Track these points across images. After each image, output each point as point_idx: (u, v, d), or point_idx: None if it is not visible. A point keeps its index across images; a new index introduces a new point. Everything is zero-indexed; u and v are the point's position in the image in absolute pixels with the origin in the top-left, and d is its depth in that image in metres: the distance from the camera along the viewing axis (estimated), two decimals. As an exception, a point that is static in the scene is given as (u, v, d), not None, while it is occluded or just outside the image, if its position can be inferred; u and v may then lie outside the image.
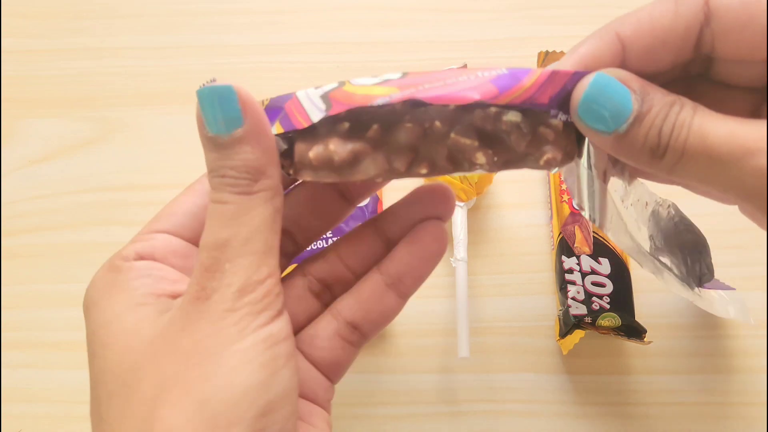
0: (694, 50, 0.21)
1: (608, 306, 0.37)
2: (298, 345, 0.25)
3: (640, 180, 0.26)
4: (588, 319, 0.37)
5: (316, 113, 0.22)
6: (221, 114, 0.21)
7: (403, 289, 0.24)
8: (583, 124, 0.20)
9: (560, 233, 0.39)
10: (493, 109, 0.21)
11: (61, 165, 0.43)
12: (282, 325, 0.21)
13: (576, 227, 0.39)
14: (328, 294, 0.26)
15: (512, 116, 0.21)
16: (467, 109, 0.21)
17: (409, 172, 0.22)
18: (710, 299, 0.33)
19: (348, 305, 0.24)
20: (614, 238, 0.24)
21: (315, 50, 0.44)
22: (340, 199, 0.26)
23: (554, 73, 0.21)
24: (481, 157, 0.21)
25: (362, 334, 0.25)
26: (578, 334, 0.37)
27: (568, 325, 0.37)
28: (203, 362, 0.19)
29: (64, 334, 0.41)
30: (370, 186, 0.26)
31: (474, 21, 0.45)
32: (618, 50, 0.22)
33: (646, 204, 0.27)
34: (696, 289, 0.31)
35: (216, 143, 0.21)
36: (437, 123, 0.21)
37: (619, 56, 0.22)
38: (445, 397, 0.39)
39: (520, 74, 0.21)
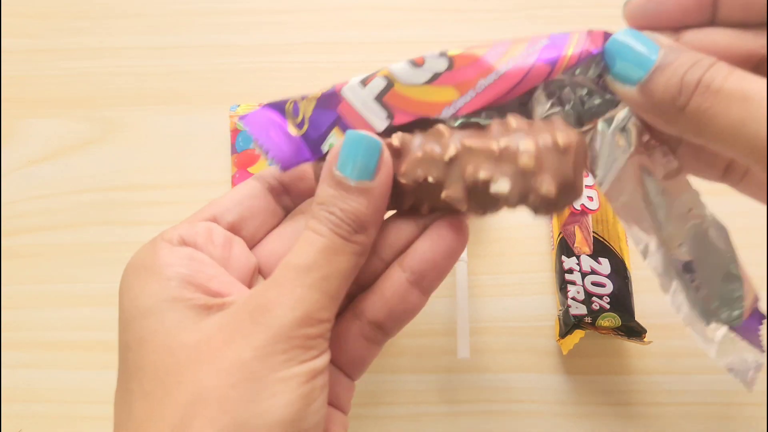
0: None
1: (608, 306, 0.37)
2: None
3: (697, 193, 0.25)
4: (588, 319, 0.37)
5: (378, 121, 0.23)
6: (360, 160, 0.22)
7: (426, 284, 0.24)
8: (610, 74, 0.21)
9: (560, 233, 0.39)
10: (482, 175, 0.21)
11: (61, 165, 0.43)
12: (324, 360, 0.21)
13: (576, 227, 0.39)
14: (354, 285, 0.24)
15: (501, 187, 0.21)
16: (456, 165, 0.22)
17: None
18: (726, 346, 0.26)
19: (371, 304, 0.24)
20: (621, 212, 0.24)
21: (315, 50, 0.44)
22: None
23: (590, 33, 0.22)
24: (469, 213, 0.23)
25: (385, 332, 0.24)
26: (578, 334, 0.37)
27: (568, 325, 0.37)
28: (246, 384, 0.20)
29: (64, 334, 0.41)
30: None
31: (474, 21, 0.45)
32: (708, 2, 0.22)
33: (690, 210, 0.25)
34: (713, 325, 0.25)
35: (339, 183, 0.22)
36: (430, 179, 0.22)
37: (708, 7, 0.22)
38: (445, 397, 0.39)
39: (560, 42, 0.22)
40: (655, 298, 0.40)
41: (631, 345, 0.39)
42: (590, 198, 0.39)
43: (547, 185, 0.21)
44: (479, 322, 0.40)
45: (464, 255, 0.38)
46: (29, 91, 0.44)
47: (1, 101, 0.44)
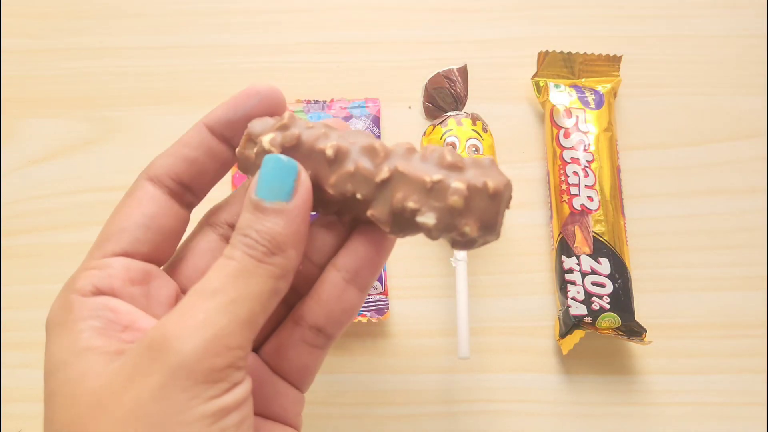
0: None
1: (608, 306, 0.37)
2: (265, 357, 0.24)
3: None
4: (588, 319, 0.37)
5: None
6: (275, 182, 0.21)
7: (362, 281, 0.24)
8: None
9: (560, 233, 0.39)
10: (411, 205, 0.22)
11: (61, 165, 0.43)
12: (238, 395, 0.20)
13: (576, 227, 0.39)
14: (292, 293, 0.24)
15: (427, 219, 0.22)
16: (386, 188, 0.22)
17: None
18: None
19: (309, 309, 0.24)
20: None
21: (315, 50, 0.44)
22: None
23: None
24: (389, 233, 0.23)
25: (327, 336, 0.24)
26: (578, 334, 0.37)
27: (568, 325, 0.37)
28: (143, 429, 0.18)
29: (64, 334, 0.41)
30: None
31: (474, 21, 0.45)
32: None
33: None
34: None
35: (256, 206, 0.21)
36: (358, 196, 0.22)
37: None
38: (445, 397, 0.39)
39: None
40: (655, 298, 0.40)
41: (631, 345, 0.39)
42: (590, 198, 0.39)
43: (470, 227, 0.21)
44: (479, 322, 0.40)
45: (464, 255, 0.38)
46: (29, 91, 0.44)
47: (1, 101, 0.44)
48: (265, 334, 0.25)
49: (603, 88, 0.42)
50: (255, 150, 0.23)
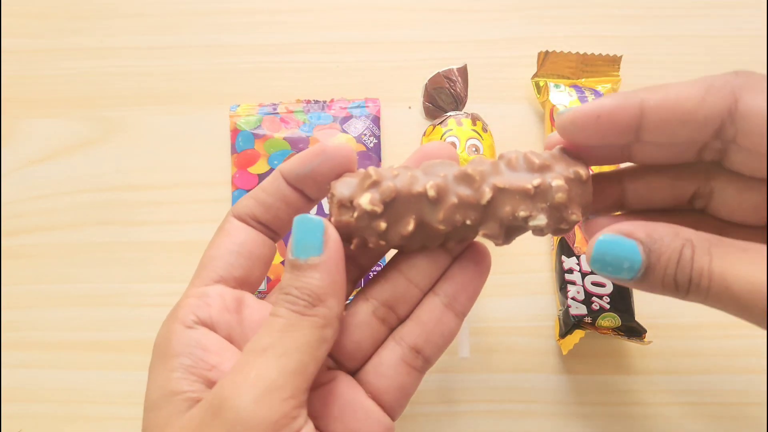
0: (713, 137, 0.22)
1: (608, 306, 0.37)
2: (364, 377, 0.25)
3: None
4: (588, 319, 0.37)
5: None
6: (305, 240, 0.22)
7: (459, 307, 0.25)
8: (604, 274, 0.22)
9: (560, 233, 0.39)
10: (522, 213, 0.23)
11: (61, 165, 0.43)
12: None
13: (576, 227, 0.39)
14: (393, 316, 0.26)
15: (539, 221, 0.23)
16: (493, 207, 0.23)
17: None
18: None
19: (409, 330, 0.25)
20: None
21: (315, 50, 0.44)
22: None
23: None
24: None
25: (425, 359, 0.25)
26: (578, 334, 0.37)
27: (568, 325, 0.37)
28: None
29: (64, 334, 0.41)
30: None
31: (474, 21, 0.45)
32: (636, 114, 0.22)
33: None
34: None
35: (293, 265, 0.22)
36: (468, 222, 0.23)
37: (635, 119, 0.22)
38: (445, 397, 0.39)
39: None
40: (655, 298, 0.40)
41: (631, 345, 0.39)
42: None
43: (576, 214, 0.23)
44: (479, 322, 0.40)
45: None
46: (29, 91, 0.44)
47: (1, 101, 0.44)
48: (366, 353, 0.26)
49: (603, 88, 0.42)
50: (355, 215, 0.23)
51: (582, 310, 0.37)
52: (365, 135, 0.42)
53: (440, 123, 0.40)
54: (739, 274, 0.19)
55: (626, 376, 0.39)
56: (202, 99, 0.44)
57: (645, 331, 0.37)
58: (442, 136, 0.39)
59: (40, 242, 0.42)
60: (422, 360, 0.25)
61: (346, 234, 0.24)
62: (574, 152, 0.24)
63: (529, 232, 0.24)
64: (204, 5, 0.45)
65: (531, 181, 0.23)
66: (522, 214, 0.23)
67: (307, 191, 0.25)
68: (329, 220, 0.24)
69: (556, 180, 0.23)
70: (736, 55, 0.44)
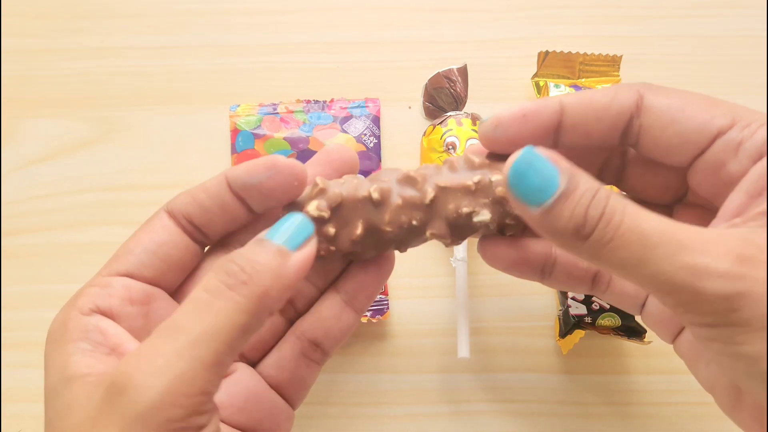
0: (622, 134, 0.23)
1: (608, 306, 0.37)
2: (265, 370, 0.26)
3: None
4: (588, 319, 0.37)
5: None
6: (287, 231, 0.21)
7: (358, 305, 0.26)
8: (513, 196, 0.21)
9: (560, 233, 0.39)
10: (465, 210, 0.24)
11: (61, 165, 0.43)
12: None
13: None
14: (291, 309, 0.27)
15: (483, 217, 0.24)
16: (437, 206, 0.24)
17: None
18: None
19: (309, 325, 0.26)
20: None
21: (315, 50, 0.44)
22: None
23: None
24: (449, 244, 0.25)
25: (323, 352, 0.26)
26: (578, 334, 0.37)
27: (568, 325, 0.37)
28: None
29: (64, 334, 0.41)
30: None
31: (474, 21, 0.45)
32: (556, 112, 0.23)
33: None
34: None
35: (259, 241, 0.21)
36: (414, 222, 0.24)
37: (556, 117, 0.23)
38: (445, 397, 0.39)
39: None
40: (654, 299, 0.40)
41: (631, 345, 0.39)
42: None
43: None
44: (479, 322, 0.40)
45: (464, 255, 0.38)
46: (29, 91, 0.44)
47: (1, 101, 0.44)
48: (267, 344, 0.26)
49: (603, 88, 0.42)
50: None
51: (582, 309, 0.37)
52: (365, 135, 0.42)
53: (440, 123, 0.40)
54: (651, 218, 0.20)
55: (626, 376, 0.39)
56: (202, 99, 0.44)
57: (645, 331, 0.37)
58: (442, 136, 0.39)
59: (40, 242, 0.42)
60: (321, 353, 0.26)
61: None
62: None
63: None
64: (204, 5, 0.45)
65: (471, 178, 0.24)
66: (465, 210, 0.24)
67: (250, 202, 0.24)
68: None
69: (495, 175, 0.24)
70: (736, 55, 0.44)
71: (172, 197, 0.25)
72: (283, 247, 0.21)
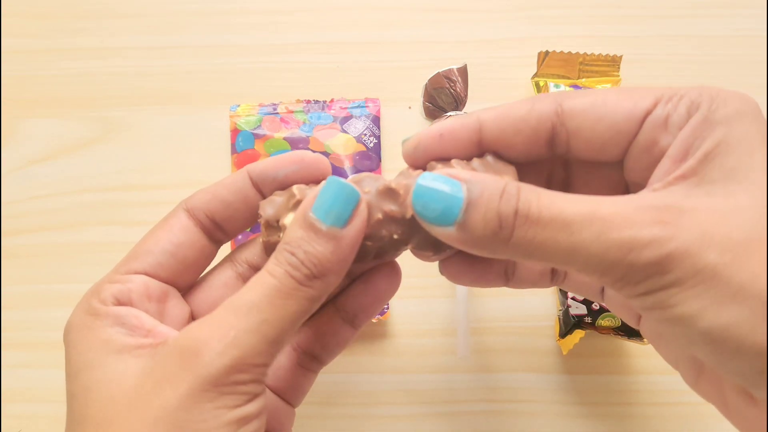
0: (548, 144, 0.23)
1: (608, 306, 0.37)
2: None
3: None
4: (588, 319, 0.37)
5: None
6: (337, 207, 0.21)
7: (357, 322, 0.26)
8: (427, 225, 0.21)
9: (560, 233, 0.39)
10: None
11: (61, 165, 0.43)
12: (258, 405, 0.21)
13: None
14: None
15: None
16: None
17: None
18: None
19: (307, 338, 0.26)
20: None
21: (315, 50, 0.44)
22: None
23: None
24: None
25: (320, 362, 0.26)
26: (578, 334, 0.37)
27: (568, 325, 0.37)
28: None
29: (64, 334, 0.41)
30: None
31: (474, 21, 0.45)
32: (475, 128, 0.23)
33: None
34: None
35: (311, 225, 0.21)
36: (395, 236, 0.23)
37: (475, 134, 0.23)
38: (445, 397, 0.39)
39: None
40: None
41: (631, 345, 0.40)
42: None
43: None
44: (479, 322, 0.40)
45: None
46: (29, 91, 0.44)
47: (1, 101, 0.44)
48: None
49: (603, 88, 0.42)
50: (281, 235, 0.23)
51: (582, 310, 0.37)
52: (365, 135, 0.42)
53: (440, 123, 0.40)
54: (568, 201, 0.19)
55: (626, 376, 0.39)
56: (202, 99, 0.44)
57: (645, 331, 0.37)
58: (442, 136, 0.39)
59: (40, 242, 0.42)
60: (317, 363, 0.26)
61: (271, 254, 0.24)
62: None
63: None
64: (204, 5, 0.45)
65: None
66: None
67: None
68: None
69: None
70: (735, 55, 0.44)
71: (189, 195, 0.25)
72: (333, 229, 0.21)
